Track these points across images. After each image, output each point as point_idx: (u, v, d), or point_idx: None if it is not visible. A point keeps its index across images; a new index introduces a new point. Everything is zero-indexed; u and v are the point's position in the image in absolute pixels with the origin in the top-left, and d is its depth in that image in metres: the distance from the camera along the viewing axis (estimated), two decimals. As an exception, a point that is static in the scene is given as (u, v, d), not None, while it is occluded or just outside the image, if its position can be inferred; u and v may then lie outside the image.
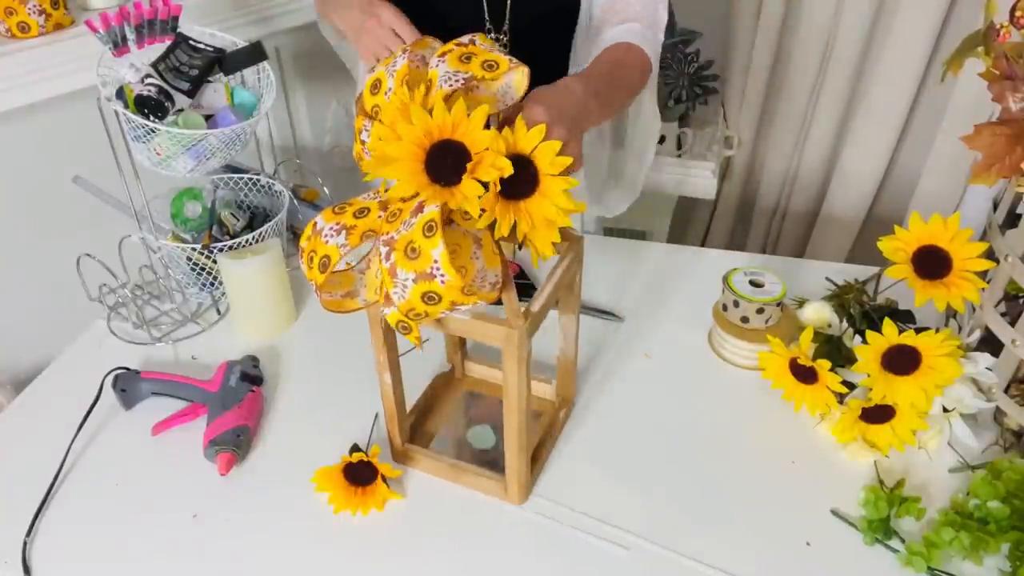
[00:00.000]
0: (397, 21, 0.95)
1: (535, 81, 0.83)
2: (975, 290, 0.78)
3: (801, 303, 0.97)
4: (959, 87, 1.55)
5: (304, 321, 1.07)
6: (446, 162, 0.61)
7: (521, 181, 0.62)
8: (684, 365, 0.98)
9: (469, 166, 0.60)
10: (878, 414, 0.81)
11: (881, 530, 0.75)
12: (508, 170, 0.60)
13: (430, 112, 0.61)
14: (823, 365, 0.81)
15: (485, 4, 1.09)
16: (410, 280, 0.62)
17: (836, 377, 0.81)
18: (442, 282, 0.61)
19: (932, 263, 0.80)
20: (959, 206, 1.65)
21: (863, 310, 0.93)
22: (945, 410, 0.82)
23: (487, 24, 1.10)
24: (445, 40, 0.77)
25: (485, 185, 0.61)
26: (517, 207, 0.64)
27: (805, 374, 0.83)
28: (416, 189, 0.61)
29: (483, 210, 0.62)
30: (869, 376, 0.81)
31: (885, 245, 0.82)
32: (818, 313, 0.93)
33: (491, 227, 0.64)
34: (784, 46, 1.81)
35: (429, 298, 0.62)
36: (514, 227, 0.64)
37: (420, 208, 0.62)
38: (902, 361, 0.79)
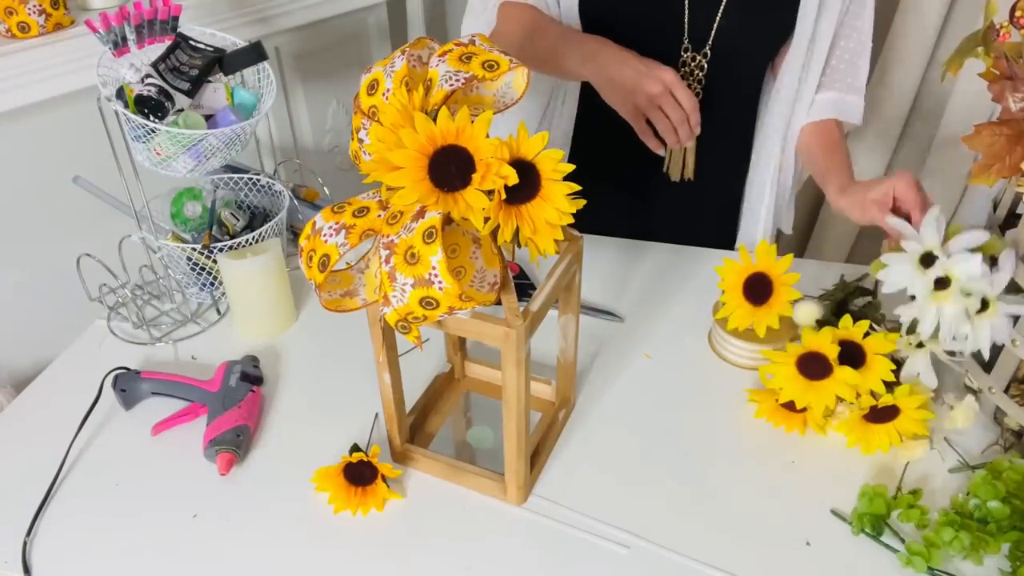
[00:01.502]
0: (678, 86, 0.94)
1: (722, 123, 0.88)
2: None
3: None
4: (959, 87, 1.55)
5: (304, 321, 1.07)
6: (450, 168, 0.61)
7: (523, 186, 0.62)
8: (684, 365, 0.98)
9: (475, 177, 0.61)
10: (882, 414, 0.81)
11: (870, 524, 0.75)
12: (513, 179, 0.61)
13: (433, 116, 0.61)
14: (832, 350, 0.81)
15: (687, 22, 1.07)
16: (408, 285, 0.62)
17: (849, 370, 0.81)
18: (440, 288, 0.61)
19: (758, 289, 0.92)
20: (959, 206, 1.66)
21: (853, 310, 0.93)
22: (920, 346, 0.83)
23: (685, 43, 1.08)
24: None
25: (489, 194, 0.61)
26: (519, 211, 0.64)
27: (816, 369, 0.83)
28: (419, 198, 0.61)
29: (487, 218, 0.62)
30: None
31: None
32: (810, 312, 0.93)
33: (493, 232, 0.64)
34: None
35: (427, 303, 0.62)
36: (515, 230, 0.64)
37: (421, 213, 0.62)
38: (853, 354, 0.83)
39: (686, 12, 1.06)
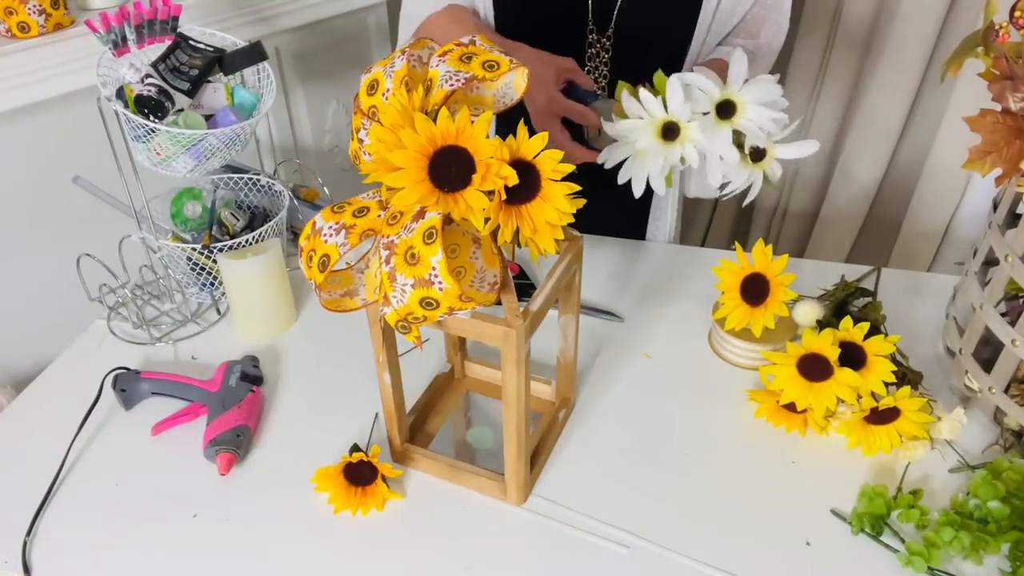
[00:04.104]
0: (576, 72, 0.95)
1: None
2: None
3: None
4: (959, 87, 1.55)
5: (304, 321, 1.07)
6: (450, 169, 0.61)
7: (523, 186, 0.62)
8: (684, 365, 0.98)
9: (475, 177, 0.61)
10: (883, 416, 0.81)
11: (870, 524, 0.75)
12: (513, 179, 0.61)
13: (433, 116, 0.61)
14: (832, 352, 0.81)
15: (590, 3, 1.08)
16: (408, 285, 0.62)
17: (850, 372, 0.81)
18: (440, 289, 0.61)
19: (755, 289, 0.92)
20: (959, 205, 1.66)
21: (852, 311, 0.93)
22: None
23: (590, 25, 1.09)
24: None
25: (489, 194, 0.61)
26: (519, 211, 0.64)
27: (817, 371, 0.83)
28: (419, 199, 0.61)
29: (487, 218, 0.62)
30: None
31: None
32: (811, 312, 0.93)
33: (493, 232, 0.64)
34: (784, 45, 1.80)
35: (427, 303, 0.62)
36: (515, 230, 0.64)
37: (421, 214, 0.62)
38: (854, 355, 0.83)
39: None
